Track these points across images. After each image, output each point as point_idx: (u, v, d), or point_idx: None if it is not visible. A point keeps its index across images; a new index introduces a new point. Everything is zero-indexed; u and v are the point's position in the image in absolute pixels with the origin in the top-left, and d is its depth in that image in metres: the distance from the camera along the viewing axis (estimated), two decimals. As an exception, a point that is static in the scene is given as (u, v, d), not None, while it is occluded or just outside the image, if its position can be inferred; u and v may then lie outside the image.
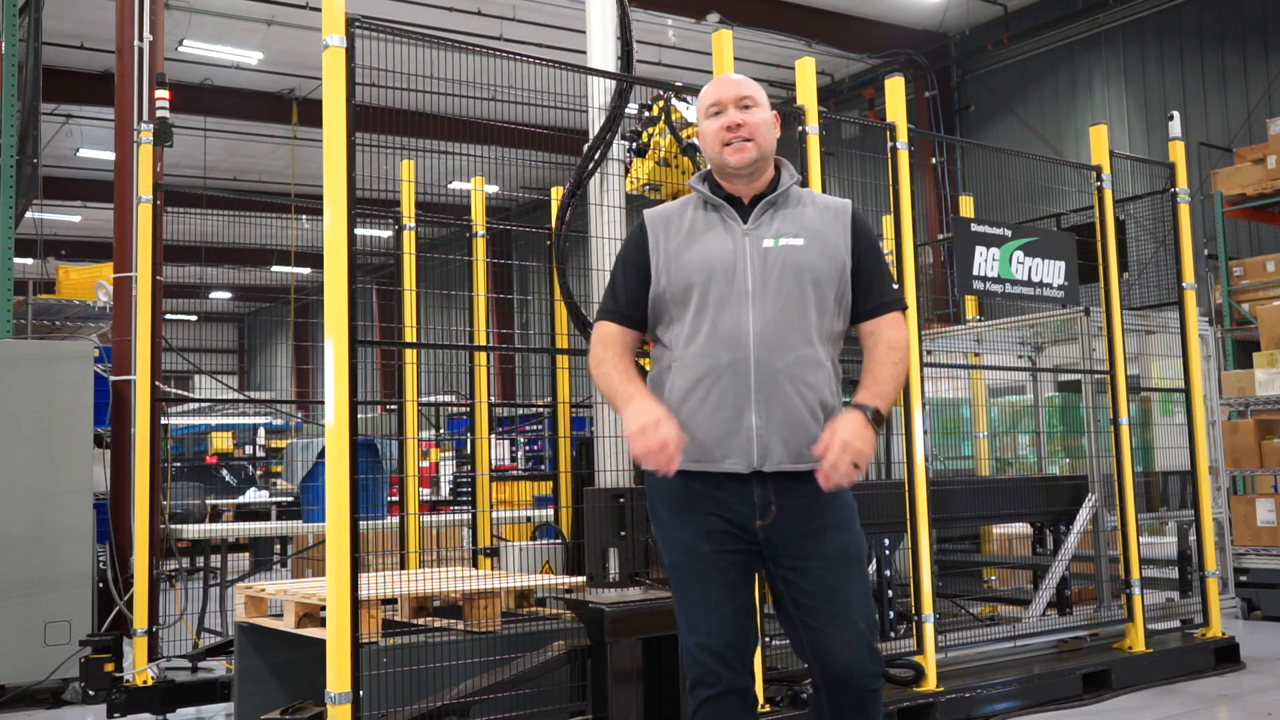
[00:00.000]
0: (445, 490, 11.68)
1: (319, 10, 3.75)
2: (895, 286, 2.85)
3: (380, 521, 6.72)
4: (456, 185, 6.98)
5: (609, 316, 2.84)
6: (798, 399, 2.65)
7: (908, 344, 2.79)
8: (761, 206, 2.77)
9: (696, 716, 2.71)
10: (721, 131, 2.77)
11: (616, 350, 2.80)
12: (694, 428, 2.66)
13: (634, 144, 5.15)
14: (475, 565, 5.83)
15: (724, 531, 2.69)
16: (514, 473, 12.79)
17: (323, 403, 3.72)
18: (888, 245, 5.55)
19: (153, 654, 5.11)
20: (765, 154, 2.79)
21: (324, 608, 3.68)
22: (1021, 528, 7.12)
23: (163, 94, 5.88)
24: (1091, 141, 6.18)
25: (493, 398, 6.68)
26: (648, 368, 2.94)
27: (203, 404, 11.06)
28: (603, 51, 4.92)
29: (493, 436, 8.72)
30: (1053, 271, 6.09)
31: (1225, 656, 6.03)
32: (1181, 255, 6.39)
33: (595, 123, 4.80)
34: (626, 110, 4.82)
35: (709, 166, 2.88)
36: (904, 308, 2.83)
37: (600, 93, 4.80)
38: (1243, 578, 7.68)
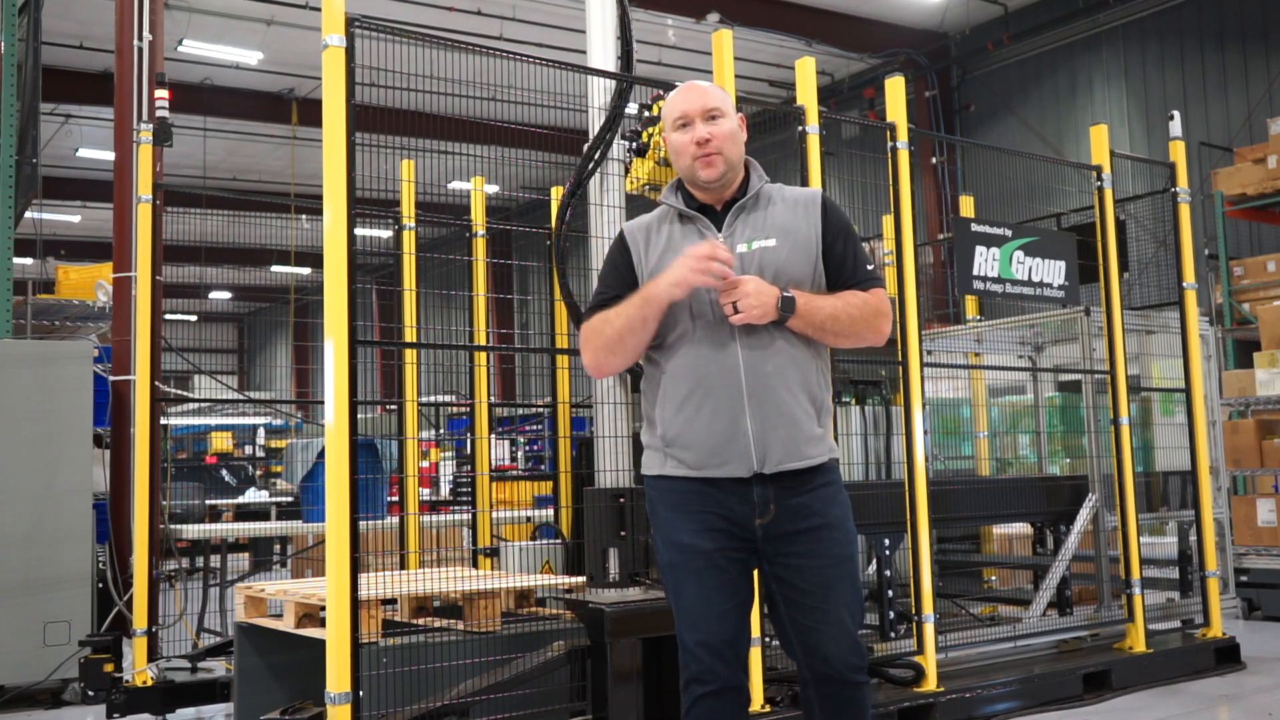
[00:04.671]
0: (445, 490, 11.67)
1: (319, 10, 3.75)
2: (871, 268, 2.85)
3: (380, 521, 6.71)
4: (456, 185, 6.98)
5: (598, 309, 2.83)
6: (790, 398, 2.70)
7: (874, 307, 2.77)
8: (733, 213, 2.82)
9: (691, 714, 2.72)
10: (690, 145, 2.80)
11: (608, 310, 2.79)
12: (691, 438, 2.71)
13: (634, 144, 5.14)
14: (475, 565, 5.82)
15: (723, 530, 2.72)
16: (514, 473, 12.78)
17: (323, 403, 3.72)
18: (888, 245, 5.55)
19: (152, 654, 5.10)
20: (734, 163, 2.82)
21: (324, 608, 3.67)
22: (1021, 528, 7.12)
23: (162, 94, 5.87)
24: (1092, 141, 6.17)
25: (493, 398, 6.68)
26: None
27: (203, 404, 11.06)
28: (603, 51, 4.92)
29: (493, 436, 8.72)
30: (1053, 271, 6.08)
31: (1226, 657, 6.03)
32: (1182, 255, 6.39)
33: (595, 123, 4.79)
34: (626, 110, 4.81)
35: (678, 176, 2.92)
36: (880, 285, 2.82)
37: (600, 93, 4.79)
38: (1243, 578, 7.68)
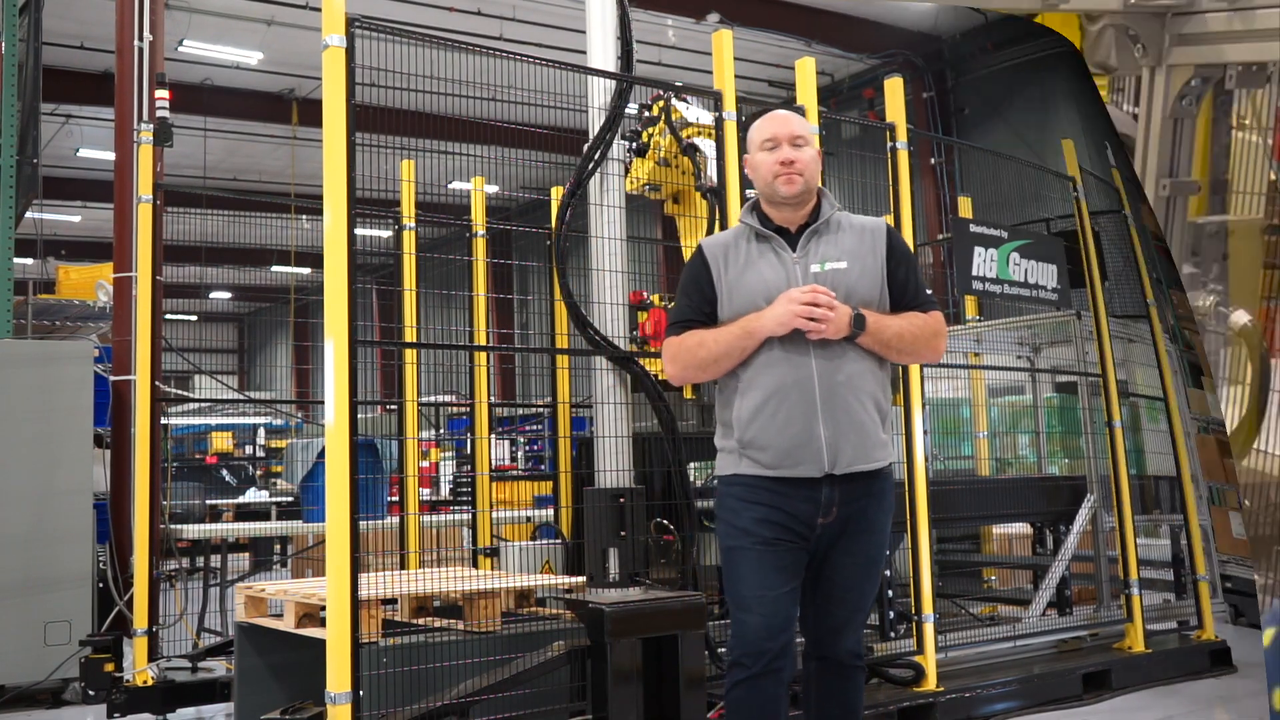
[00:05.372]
0: (445, 490, 11.68)
1: (319, 10, 3.75)
2: (929, 292, 3.13)
3: (380, 521, 6.72)
4: (456, 185, 6.98)
5: (687, 325, 3.05)
6: (858, 406, 2.96)
7: (933, 329, 3.05)
8: (807, 235, 3.07)
9: (734, 693, 2.92)
10: (775, 165, 3.05)
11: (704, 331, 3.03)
12: (767, 440, 2.93)
13: (634, 144, 5.15)
14: (475, 565, 5.83)
15: (783, 524, 2.96)
16: (514, 473, 12.78)
17: (323, 403, 3.72)
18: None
19: (153, 654, 5.11)
20: (811, 186, 3.09)
21: (324, 608, 3.67)
22: (1021, 528, 7.13)
23: (163, 94, 5.88)
24: (1065, 154, 6.24)
25: (493, 398, 6.68)
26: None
27: (203, 404, 11.06)
28: (603, 51, 4.92)
29: (493, 436, 8.72)
30: (1047, 274, 6.10)
31: (1219, 659, 6.04)
32: (1141, 273, 6.48)
33: (595, 123, 4.80)
34: (626, 110, 4.82)
35: (755, 196, 3.16)
36: (937, 308, 3.09)
37: (600, 93, 4.80)
38: (1228, 584, 7.64)
